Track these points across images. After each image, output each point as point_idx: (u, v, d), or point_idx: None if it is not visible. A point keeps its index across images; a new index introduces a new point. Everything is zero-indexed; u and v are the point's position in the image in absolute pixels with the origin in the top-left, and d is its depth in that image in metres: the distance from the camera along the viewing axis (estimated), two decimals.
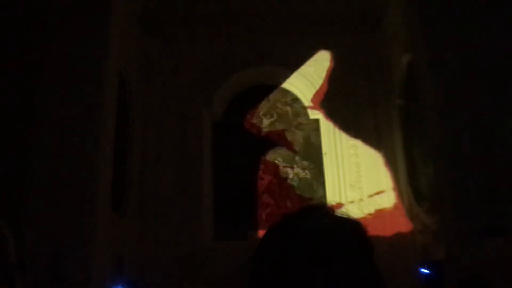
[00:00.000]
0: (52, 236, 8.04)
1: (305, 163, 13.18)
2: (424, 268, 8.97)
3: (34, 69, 8.60)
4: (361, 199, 11.89)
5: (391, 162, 12.02)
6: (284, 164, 13.16)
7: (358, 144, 12.57)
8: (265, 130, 13.42)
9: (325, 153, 12.83)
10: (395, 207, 11.35)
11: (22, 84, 8.38)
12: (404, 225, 10.80)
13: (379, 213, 11.36)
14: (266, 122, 13.49)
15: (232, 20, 12.74)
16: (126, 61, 11.44)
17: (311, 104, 13.20)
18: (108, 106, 9.98)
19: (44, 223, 8.00)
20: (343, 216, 0.89)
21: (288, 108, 13.52)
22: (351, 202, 11.82)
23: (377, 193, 11.88)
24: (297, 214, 0.90)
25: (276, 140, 13.23)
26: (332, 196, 12.28)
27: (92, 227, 8.57)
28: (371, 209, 11.40)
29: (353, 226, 0.87)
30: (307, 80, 13.17)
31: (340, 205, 11.41)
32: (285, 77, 13.37)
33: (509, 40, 8.30)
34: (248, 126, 13.45)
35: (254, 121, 13.46)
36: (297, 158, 13.25)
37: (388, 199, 11.67)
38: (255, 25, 12.75)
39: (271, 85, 13.58)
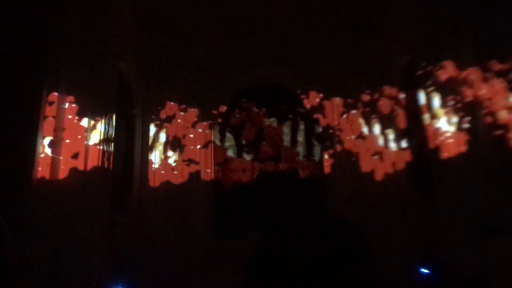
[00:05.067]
0: (52, 236, 8.04)
1: (305, 162, 13.19)
2: (424, 268, 8.98)
3: (33, 69, 8.60)
4: None
5: (392, 162, 12.04)
6: (284, 163, 13.16)
7: (359, 143, 12.58)
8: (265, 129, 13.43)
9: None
10: None
11: (22, 84, 8.38)
12: None
13: None
14: (266, 122, 13.49)
15: (232, 20, 12.74)
16: (126, 60, 11.45)
17: (311, 103, 13.21)
18: (109, 106, 9.99)
19: (44, 223, 7.99)
20: (339, 216, 0.90)
21: (288, 108, 13.51)
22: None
23: None
24: (293, 215, 0.90)
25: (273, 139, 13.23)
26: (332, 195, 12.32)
27: (92, 227, 8.57)
28: None
29: (348, 226, 0.88)
30: (306, 80, 13.19)
31: None
32: (285, 77, 13.37)
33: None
34: (248, 126, 13.45)
35: (254, 120, 13.46)
36: (297, 157, 13.26)
37: None
38: (255, 25, 12.75)
39: (271, 85, 13.58)
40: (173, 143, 12.71)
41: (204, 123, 13.05)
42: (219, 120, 13.33)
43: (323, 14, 12.78)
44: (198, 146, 12.72)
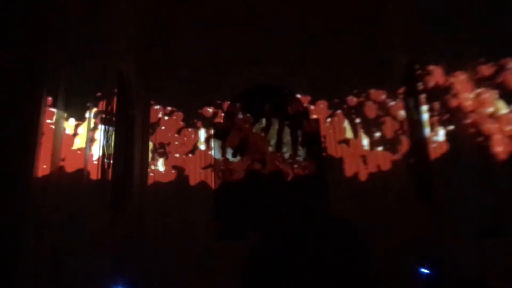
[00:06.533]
0: (52, 236, 8.03)
1: (305, 162, 13.19)
2: (424, 268, 8.97)
3: (33, 69, 8.59)
4: None
5: (391, 162, 12.05)
6: (284, 164, 13.16)
7: (359, 143, 12.58)
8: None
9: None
10: None
11: (23, 84, 8.38)
12: None
13: None
14: (265, 122, 13.50)
15: (232, 20, 12.74)
16: (126, 61, 11.44)
17: (311, 104, 13.22)
18: (109, 106, 9.99)
19: (44, 223, 7.99)
20: (338, 217, 0.90)
21: (289, 109, 13.50)
22: None
23: None
24: (292, 214, 0.90)
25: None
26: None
27: (92, 227, 8.57)
28: None
29: (348, 226, 0.88)
30: (308, 80, 13.18)
31: None
32: (285, 77, 13.37)
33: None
34: (248, 126, 13.46)
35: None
36: (298, 158, 13.25)
37: None
38: (255, 25, 12.74)
39: (271, 85, 13.57)
40: (173, 143, 12.73)
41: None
42: (219, 119, 13.35)
43: (323, 14, 12.76)
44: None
